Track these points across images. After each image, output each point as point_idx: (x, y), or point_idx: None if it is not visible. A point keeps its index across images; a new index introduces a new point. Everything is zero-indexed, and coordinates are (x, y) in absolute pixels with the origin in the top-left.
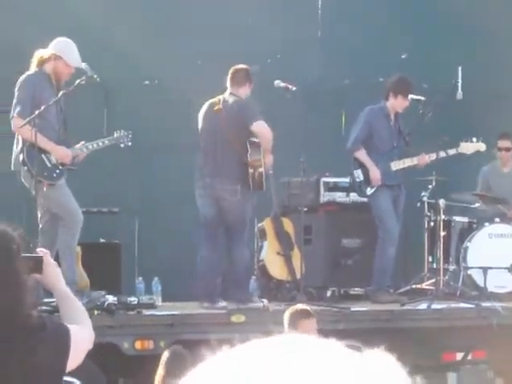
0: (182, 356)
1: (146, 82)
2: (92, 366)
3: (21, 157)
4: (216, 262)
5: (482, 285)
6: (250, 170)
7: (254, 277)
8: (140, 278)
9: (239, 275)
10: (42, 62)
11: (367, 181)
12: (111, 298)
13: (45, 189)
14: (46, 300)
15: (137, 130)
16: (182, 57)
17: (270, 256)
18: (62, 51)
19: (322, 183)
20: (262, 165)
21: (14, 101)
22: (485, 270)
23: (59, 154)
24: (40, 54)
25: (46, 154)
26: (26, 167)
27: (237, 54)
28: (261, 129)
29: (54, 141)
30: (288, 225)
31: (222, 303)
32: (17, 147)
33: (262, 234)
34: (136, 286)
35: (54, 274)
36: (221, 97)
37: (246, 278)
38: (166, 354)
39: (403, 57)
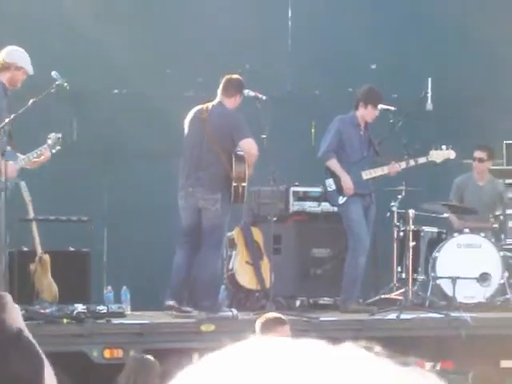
0: (146, 362)
1: (115, 91)
2: (60, 374)
3: None
4: (188, 269)
5: (450, 295)
6: (234, 184)
7: (223, 286)
8: (109, 287)
9: (210, 284)
10: None
11: (339, 190)
12: (80, 307)
13: None
14: None
15: (106, 138)
16: (150, 65)
17: (240, 265)
18: (23, 61)
19: (291, 193)
20: (246, 179)
21: None
22: (454, 280)
23: (8, 170)
24: None
25: None
26: None
27: (206, 64)
28: (249, 147)
29: (3, 154)
30: (257, 234)
31: (191, 312)
32: None
33: (232, 244)
34: (105, 295)
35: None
36: (209, 104)
37: (216, 288)
38: (129, 359)
39: (373, 67)
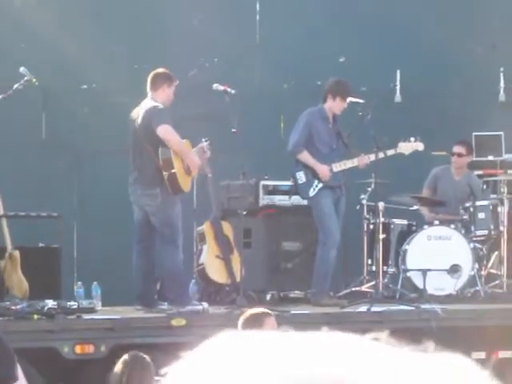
0: (140, 360)
1: (84, 86)
2: (31, 370)
3: None
4: (147, 267)
5: (421, 287)
6: (164, 173)
7: (193, 280)
8: (79, 283)
9: (172, 279)
10: None
11: (311, 181)
12: (51, 303)
13: None
14: None
15: (75, 133)
16: (119, 61)
17: (210, 259)
18: None
19: (261, 186)
20: (174, 166)
21: None
22: (424, 272)
23: None
24: None
25: None
26: None
27: (175, 58)
28: (164, 133)
29: None
30: (227, 228)
31: (162, 306)
32: None
33: (202, 238)
34: (75, 291)
35: None
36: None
37: (180, 282)
38: (124, 357)
39: (341, 60)
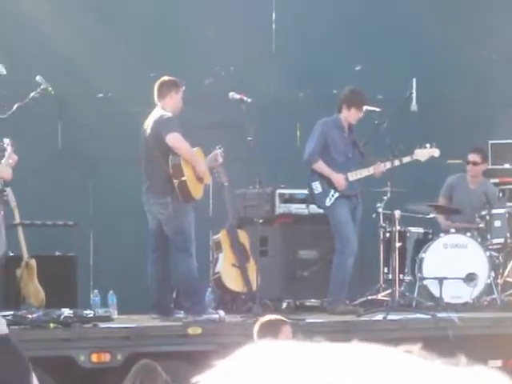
0: (152, 369)
1: (100, 95)
2: (48, 379)
3: None
4: (162, 275)
5: (437, 295)
6: (175, 181)
7: (209, 289)
8: (95, 291)
9: (187, 287)
10: None
11: (327, 191)
12: (67, 311)
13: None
14: (1, 313)
15: (92, 142)
16: (135, 69)
17: (226, 268)
18: None
19: (277, 195)
20: (184, 173)
21: None
22: (440, 280)
23: (5, 174)
24: None
25: None
26: None
27: (190, 67)
28: (173, 142)
29: None
30: (243, 236)
31: (178, 314)
32: None
33: (218, 246)
34: (92, 299)
35: None
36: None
37: (195, 290)
38: (136, 366)
39: (357, 69)
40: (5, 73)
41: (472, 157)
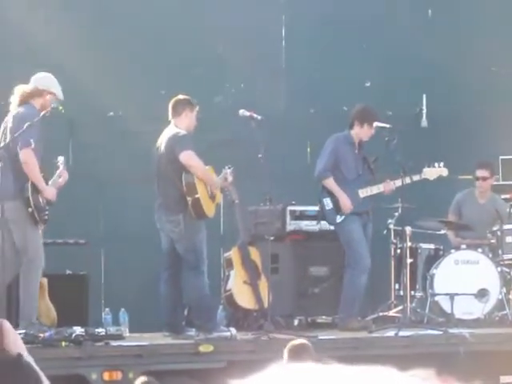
0: None
1: (111, 114)
2: None
3: (25, 193)
4: (175, 293)
5: (449, 311)
6: (188, 198)
7: (221, 306)
8: (107, 309)
9: (198, 305)
10: (27, 98)
11: (337, 209)
12: (79, 330)
13: (40, 230)
14: None
15: (102, 161)
16: (145, 87)
17: (237, 285)
18: (54, 86)
19: (288, 212)
20: (198, 191)
21: (24, 134)
22: (452, 296)
23: (49, 194)
24: (24, 89)
25: (40, 194)
26: (30, 208)
27: (200, 84)
28: (187, 159)
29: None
30: (255, 254)
31: (189, 332)
32: (15, 178)
33: (229, 264)
34: (103, 318)
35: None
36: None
37: (207, 308)
38: None
39: (367, 85)
40: (57, 106)
41: (480, 172)
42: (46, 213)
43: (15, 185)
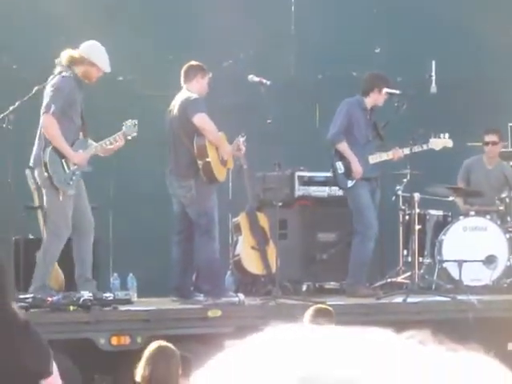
0: (167, 351)
1: (120, 78)
2: (67, 361)
3: (43, 158)
4: (185, 258)
5: (457, 278)
6: (199, 162)
7: (229, 271)
8: (115, 274)
9: (207, 270)
10: (71, 63)
11: (348, 173)
12: (87, 294)
13: (61, 197)
14: (21, 296)
15: (112, 125)
16: (154, 52)
17: (245, 251)
18: (97, 57)
19: (296, 177)
20: (209, 155)
21: (48, 99)
22: (460, 263)
23: (76, 159)
24: (70, 54)
25: (65, 159)
26: (46, 173)
27: (209, 50)
28: (200, 122)
29: (74, 143)
30: (263, 219)
31: (198, 297)
32: (39, 144)
33: (237, 229)
34: (111, 282)
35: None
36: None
37: (216, 273)
38: (150, 348)
39: (377, 51)
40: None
41: (489, 137)
42: (72, 178)
43: (38, 150)
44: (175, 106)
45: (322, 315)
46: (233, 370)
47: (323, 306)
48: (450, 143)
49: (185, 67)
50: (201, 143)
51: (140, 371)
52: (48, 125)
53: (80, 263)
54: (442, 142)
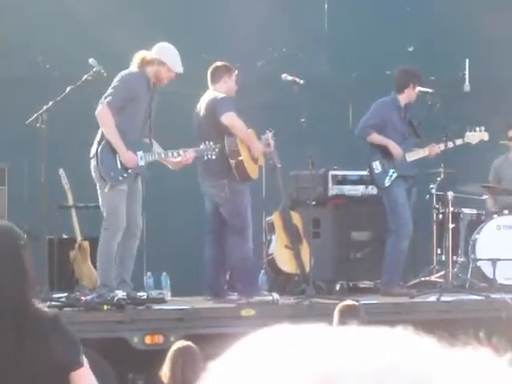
0: (191, 351)
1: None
2: (102, 360)
3: (94, 149)
4: (218, 257)
5: (491, 277)
6: (232, 161)
7: (262, 270)
8: (149, 273)
9: (241, 269)
10: (143, 64)
11: (390, 168)
12: (120, 293)
13: (106, 189)
14: (55, 295)
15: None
16: (187, 50)
17: (279, 250)
18: (168, 58)
19: (330, 176)
20: (241, 153)
21: (110, 90)
22: (494, 261)
23: (125, 158)
24: (142, 55)
25: (118, 155)
26: (96, 165)
27: (243, 49)
28: (229, 121)
29: (131, 142)
30: (296, 218)
31: (231, 296)
32: (97, 136)
33: (271, 228)
34: (145, 281)
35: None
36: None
37: (249, 272)
38: (174, 349)
39: (410, 49)
40: (99, 69)
41: None
42: (123, 175)
43: (95, 142)
44: (202, 107)
45: (347, 311)
46: (248, 366)
47: (349, 302)
48: (485, 136)
49: (211, 69)
50: (232, 143)
51: (165, 372)
52: (102, 115)
53: (119, 263)
54: (478, 135)
